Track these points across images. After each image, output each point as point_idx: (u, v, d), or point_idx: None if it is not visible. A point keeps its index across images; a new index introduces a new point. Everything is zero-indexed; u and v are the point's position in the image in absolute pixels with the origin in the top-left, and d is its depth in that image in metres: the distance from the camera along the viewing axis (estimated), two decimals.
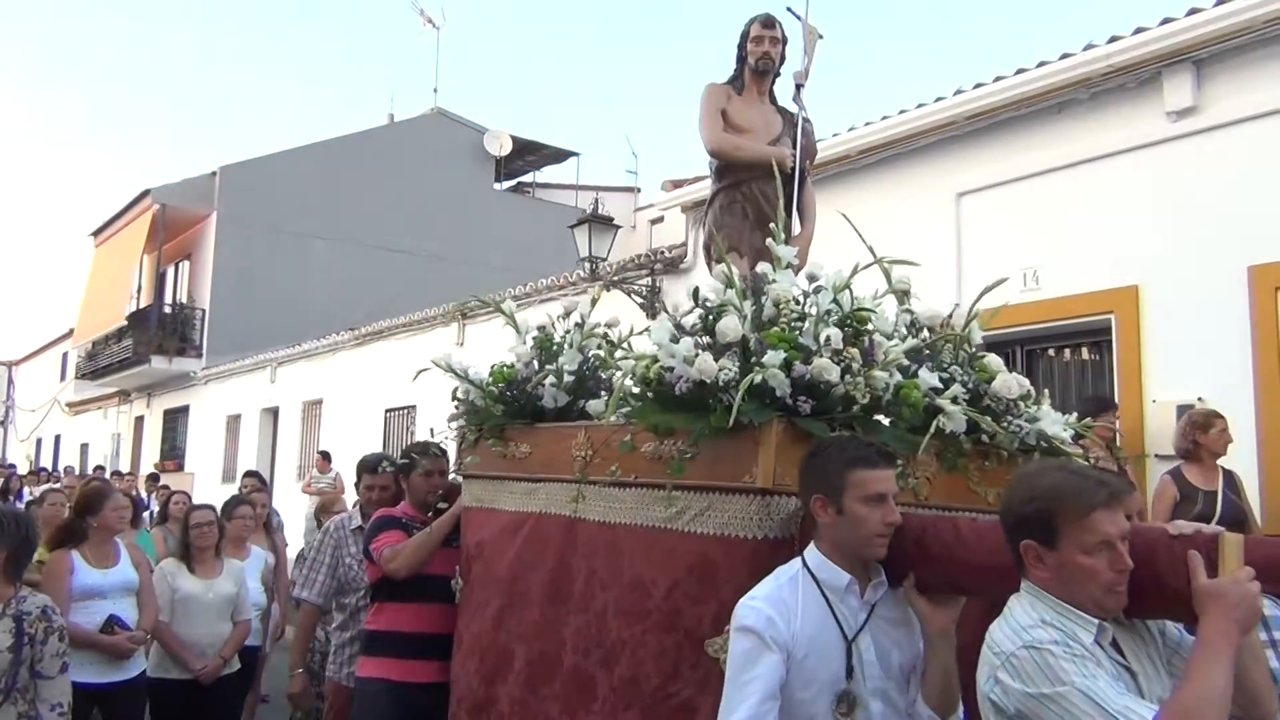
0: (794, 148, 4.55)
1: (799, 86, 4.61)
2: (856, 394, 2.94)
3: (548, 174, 29.97)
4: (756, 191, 4.60)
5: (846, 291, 3.19)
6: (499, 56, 66.61)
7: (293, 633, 5.76)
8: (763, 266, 3.33)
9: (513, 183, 29.55)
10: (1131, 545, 2.28)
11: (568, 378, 3.97)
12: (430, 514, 4.62)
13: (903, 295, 3.41)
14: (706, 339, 3.15)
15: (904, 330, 3.36)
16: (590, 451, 3.58)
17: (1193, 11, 7.59)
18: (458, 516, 4.41)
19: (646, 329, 3.98)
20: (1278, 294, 7.20)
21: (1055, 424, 3.29)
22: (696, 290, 3.33)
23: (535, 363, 4.10)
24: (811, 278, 3.29)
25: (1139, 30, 7.90)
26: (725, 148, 4.64)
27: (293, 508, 15.53)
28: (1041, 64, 8.51)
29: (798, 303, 3.19)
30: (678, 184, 11.74)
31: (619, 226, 12.44)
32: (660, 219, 16.65)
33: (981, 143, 8.98)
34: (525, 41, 69.70)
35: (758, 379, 2.88)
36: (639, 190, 26.68)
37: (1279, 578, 2.23)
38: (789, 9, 4.59)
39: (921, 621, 2.74)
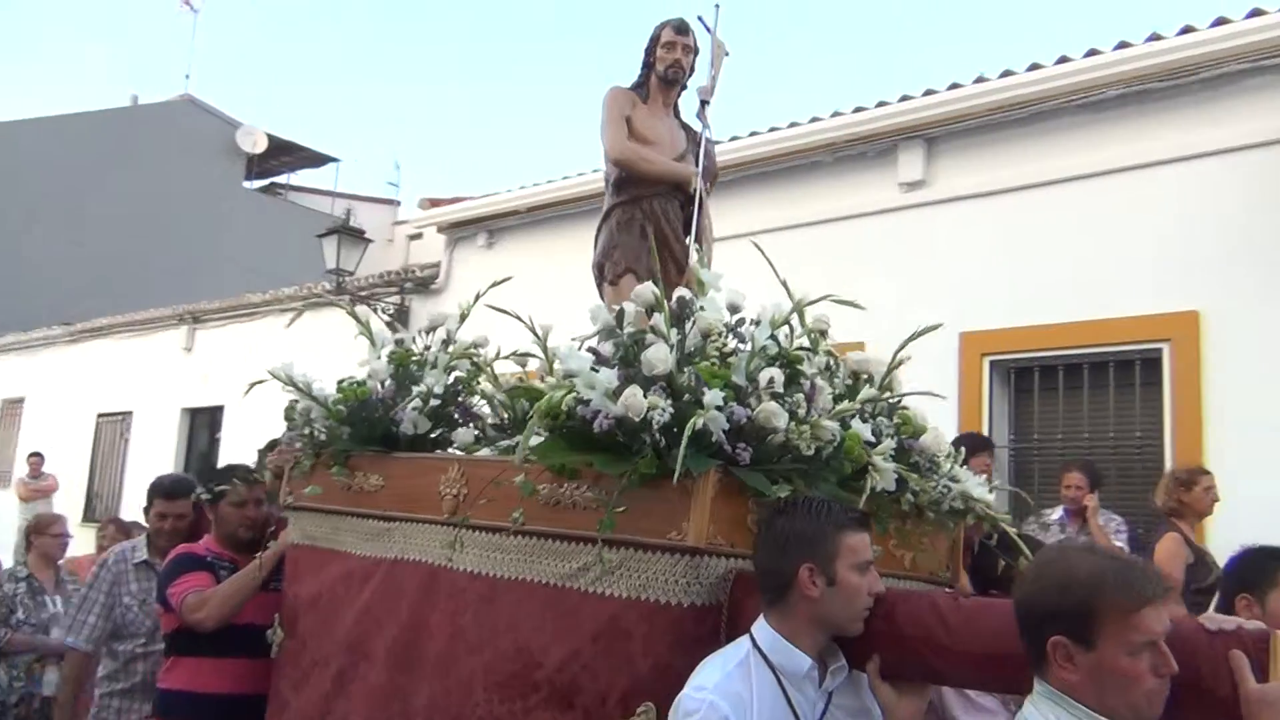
0: (697, 167, 3.94)
1: (704, 103, 4.00)
2: (801, 444, 2.36)
3: (304, 178, 27.09)
4: (658, 210, 3.95)
5: (785, 327, 2.60)
6: (260, 50, 61.12)
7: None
8: (681, 291, 2.70)
9: (264, 183, 26.35)
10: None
11: (434, 401, 3.19)
12: (242, 551, 3.70)
13: (820, 335, 2.86)
14: (622, 370, 2.48)
15: (839, 376, 2.83)
16: (465, 489, 2.82)
17: (928, 92, 7.85)
18: (280, 556, 3.51)
19: (513, 353, 3.32)
20: (983, 360, 7.33)
21: (979, 486, 2.82)
22: (621, 312, 2.64)
23: (391, 382, 3.28)
24: (734, 308, 2.70)
25: (881, 104, 8.02)
26: (632, 158, 3.96)
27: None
28: (793, 125, 8.43)
29: (721, 335, 2.57)
30: (436, 203, 10.94)
31: (370, 240, 11.39)
32: (419, 235, 15.43)
33: (741, 193, 8.79)
34: (289, 38, 64.60)
35: (699, 422, 2.24)
36: (399, 204, 24.43)
37: None
38: (699, 18, 4.01)
39: (885, 712, 2.19)
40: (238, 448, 12.13)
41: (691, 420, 2.27)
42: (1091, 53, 7.07)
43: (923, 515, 2.75)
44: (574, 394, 2.44)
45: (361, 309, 10.42)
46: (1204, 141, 6.62)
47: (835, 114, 8.20)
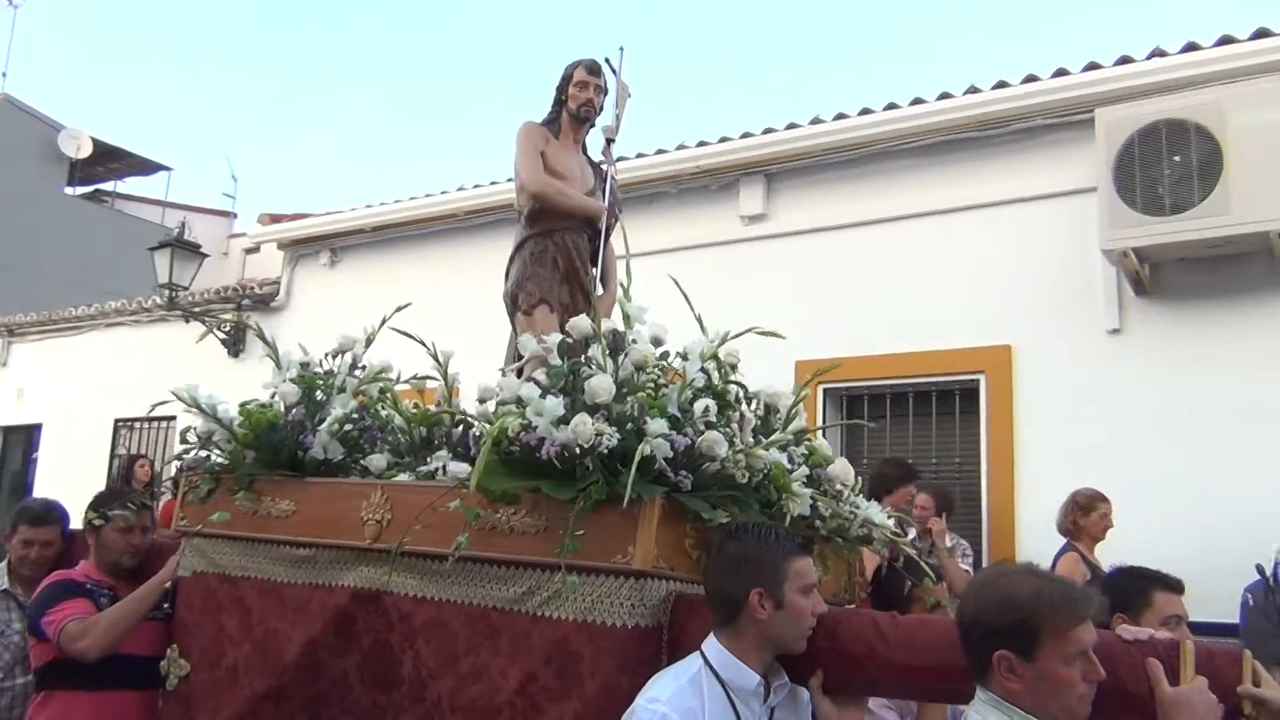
0: (604, 202, 3.96)
1: (610, 141, 4.07)
2: (737, 472, 2.40)
3: (133, 186, 24.80)
4: (569, 243, 3.96)
5: (713, 360, 2.64)
6: (86, 50, 55.83)
7: None
8: (599, 322, 2.71)
9: (89, 189, 24.00)
10: None
11: (347, 426, 3.05)
12: (122, 579, 3.47)
13: (732, 368, 2.90)
14: (562, 397, 2.46)
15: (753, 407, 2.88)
16: (389, 515, 2.74)
17: (768, 130, 8.03)
18: (167, 583, 3.31)
19: (413, 377, 3.23)
20: (818, 387, 7.53)
21: (879, 513, 2.91)
22: (563, 343, 2.63)
23: (300, 406, 3.13)
24: (657, 341, 2.73)
25: (724, 139, 8.20)
26: (549, 192, 3.95)
27: None
28: (639, 155, 8.48)
29: (657, 368, 2.60)
30: (276, 218, 10.43)
31: (205, 255, 10.74)
32: (256, 249, 14.63)
33: None
34: (118, 39, 59.12)
35: (647, 450, 2.25)
36: (236, 216, 22.92)
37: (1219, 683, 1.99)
38: (606, 60, 4.04)
39: None
40: (55, 468, 11.33)
41: (641, 447, 2.31)
42: (916, 101, 7.46)
43: (830, 540, 2.84)
44: (520, 420, 2.40)
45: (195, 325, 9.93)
46: (1015, 189, 7.06)
47: (680, 147, 8.31)
